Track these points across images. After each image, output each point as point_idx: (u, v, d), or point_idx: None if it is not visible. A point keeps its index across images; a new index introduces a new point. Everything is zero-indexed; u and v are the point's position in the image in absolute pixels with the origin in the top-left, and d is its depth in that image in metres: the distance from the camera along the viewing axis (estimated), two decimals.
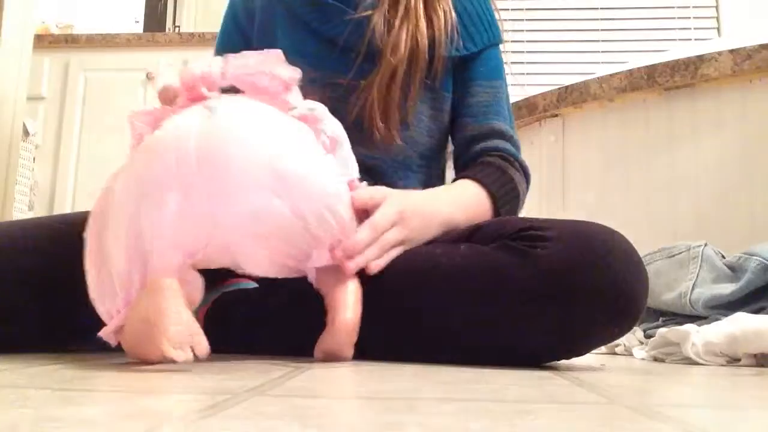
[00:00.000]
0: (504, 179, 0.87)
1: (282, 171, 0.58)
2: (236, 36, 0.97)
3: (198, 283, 0.60)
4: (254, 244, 0.59)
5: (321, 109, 0.67)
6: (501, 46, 0.97)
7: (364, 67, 0.86)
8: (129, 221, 0.56)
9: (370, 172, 0.81)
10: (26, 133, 2.41)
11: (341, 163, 0.67)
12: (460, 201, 0.83)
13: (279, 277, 0.65)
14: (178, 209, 0.55)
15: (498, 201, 0.84)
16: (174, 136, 0.58)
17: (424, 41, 0.87)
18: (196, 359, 0.52)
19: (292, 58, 0.67)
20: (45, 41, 2.83)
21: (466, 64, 0.92)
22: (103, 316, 0.58)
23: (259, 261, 0.61)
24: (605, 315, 0.65)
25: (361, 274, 0.67)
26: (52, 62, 2.83)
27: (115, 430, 0.27)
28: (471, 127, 0.92)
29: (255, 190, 0.57)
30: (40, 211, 2.65)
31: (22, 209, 2.47)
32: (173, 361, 0.50)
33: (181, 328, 0.51)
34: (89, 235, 0.59)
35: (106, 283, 0.57)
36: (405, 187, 0.86)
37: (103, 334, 0.57)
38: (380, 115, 0.84)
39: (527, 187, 0.92)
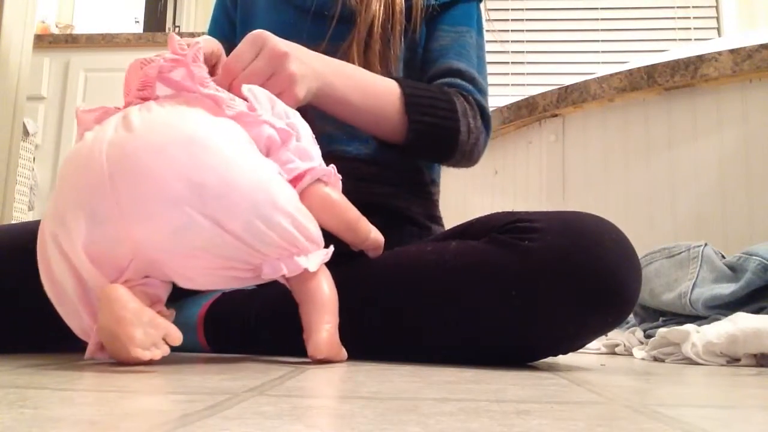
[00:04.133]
0: (434, 92, 0.82)
1: (200, 183, 0.53)
2: (223, 20, 0.99)
3: (153, 281, 0.57)
4: (185, 262, 0.55)
5: (266, 103, 0.63)
6: (481, 5, 0.96)
7: (341, 30, 0.87)
8: (55, 245, 0.54)
9: (355, 134, 0.82)
10: (26, 133, 2.41)
11: (299, 154, 0.62)
12: (353, 73, 0.78)
13: (241, 287, 0.63)
14: (89, 232, 0.53)
15: (409, 104, 0.79)
16: (88, 151, 0.55)
17: None
18: (174, 349, 0.52)
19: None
20: (45, 41, 2.83)
21: (438, 15, 0.91)
22: (80, 334, 0.57)
23: (197, 276, 0.57)
24: (598, 304, 0.64)
25: (347, 273, 0.67)
26: (52, 62, 2.83)
27: (115, 430, 0.27)
28: (429, 70, 0.89)
29: (172, 206, 0.52)
30: (40, 211, 2.65)
31: (22, 209, 2.47)
32: (151, 362, 0.50)
33: (145, 329, 0.50)
34: (39, 258, 0.57)
35: (69, 303, 0.55)
36: (382, 146, 0.85)
37: (90, 354, 0.56)
38: None
39: (486, 132, 0.88)
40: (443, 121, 0.81)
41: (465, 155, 0.86)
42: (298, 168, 0.62)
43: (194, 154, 0.54)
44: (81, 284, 0.54)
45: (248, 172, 0.55)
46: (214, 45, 0.73)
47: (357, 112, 0.78)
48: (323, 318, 0.60)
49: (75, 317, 0.56)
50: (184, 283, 0.58)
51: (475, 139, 0.85)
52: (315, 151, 0.65)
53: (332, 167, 0.66)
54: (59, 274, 0.55)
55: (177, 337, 0.52)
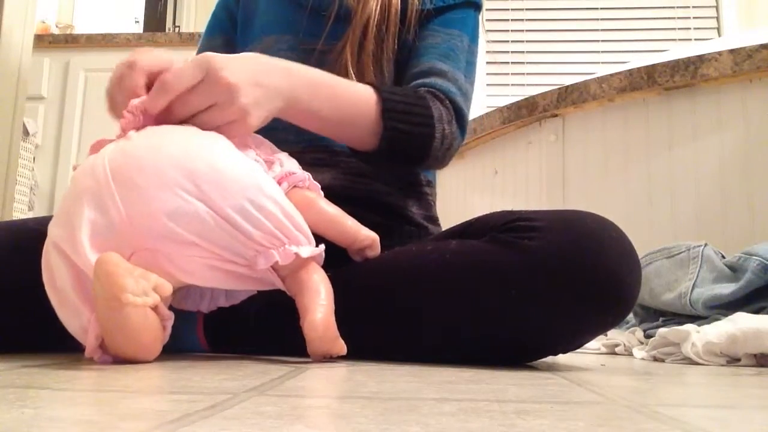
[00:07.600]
0: (411, 98, 0.79)
1: (193, 169, 0.57)
2: (223, 16, 0.99)
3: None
4: (181, 250, 0.57)
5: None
6: (479, 15, 0.94)
7: (336, 29, 0.86)
8: (57, 251, 0.56)
9: None
10: (26, 133, 2.41)
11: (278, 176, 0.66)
12: (323, 82, 0.73)
13: (240, 288, 0.63)
14: (92, 224, 0.55)
15: (385, 110, 0.75)
16: (90, 162, 0.59)
17: None
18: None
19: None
20: (45, 41, 2.83)
21: (433, 17, 0.89)
22: (78, 336, 0.57)
23: (195, 269, 0.58)
24: (598, 303, 0.64)
25: (348, 273, 0.67)
26: (52, 62, 2.83)
27: (115, 430, 0.27)
28: (413, 68, 0.87)
29: (166, 190, 0.55)
30: (40, 211, 2.65)
31: (22, 209, 2.47)
32: (137, 308, 0.51)
33: (136, 279, 0.52)
34: (44, 267, 0.59)
35: (69, 305, 0.57)
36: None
37: (90, 353, 0.56)
38: (355, 73, 0.84)
39: (461, 136, 0.84)
40: (418, 128, 0.78)
41: (437, 160, 0.83)
42: (278, 174, 0.66)
43: (188, 149, 0.59)
44: (80, 283, 0.56)
45: (237, 162, 0.60)
46: (161, 62, 0.67)
47: (327, 123, 0.75)
48: (318, 300, 0.61)
49: (75, 317, 0.57)
50: (184, 277, 0.58)
51: (448, 144, 0.82)
52: (298, 171, 0.68)
53: (308, 175, 0.68)
54: (60, 280, 0.57)
55: (167, 287, 0.54)
